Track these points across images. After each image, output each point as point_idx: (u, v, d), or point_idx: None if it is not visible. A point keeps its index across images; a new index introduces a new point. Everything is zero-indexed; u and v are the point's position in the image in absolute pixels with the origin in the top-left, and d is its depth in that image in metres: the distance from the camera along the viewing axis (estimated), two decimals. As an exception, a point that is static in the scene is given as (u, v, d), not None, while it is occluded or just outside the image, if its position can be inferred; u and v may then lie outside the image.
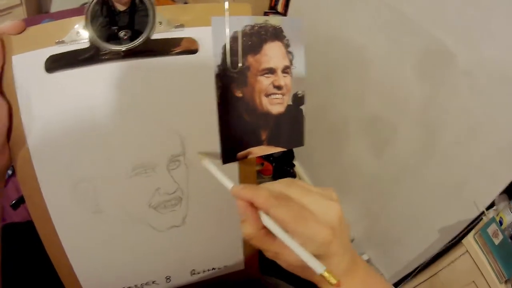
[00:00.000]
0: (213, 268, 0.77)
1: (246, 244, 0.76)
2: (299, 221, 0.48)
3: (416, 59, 1.58)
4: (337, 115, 2.08)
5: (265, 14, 2.80)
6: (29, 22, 0.53)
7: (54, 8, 2.99)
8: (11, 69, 0.52)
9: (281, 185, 0.53)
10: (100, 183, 0.61)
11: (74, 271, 0.66)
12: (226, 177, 0.57)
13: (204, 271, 0.76)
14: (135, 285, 0.73)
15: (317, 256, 0.48)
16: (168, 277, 0.74)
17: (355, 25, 1.85)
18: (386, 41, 1.69)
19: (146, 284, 0.73)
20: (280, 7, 2.69)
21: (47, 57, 0.53)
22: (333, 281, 0.45)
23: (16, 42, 0.52)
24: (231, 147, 0.64)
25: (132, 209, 0.65)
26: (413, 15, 1.56)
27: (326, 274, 0.45)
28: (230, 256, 0.77)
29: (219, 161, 0.65)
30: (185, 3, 3.67)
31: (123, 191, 0.63)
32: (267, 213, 0.50)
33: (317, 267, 0.46)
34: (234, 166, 0.68)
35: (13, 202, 1.21)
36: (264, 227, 0.51)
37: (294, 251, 0.48)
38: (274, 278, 0.87)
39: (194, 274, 0.76)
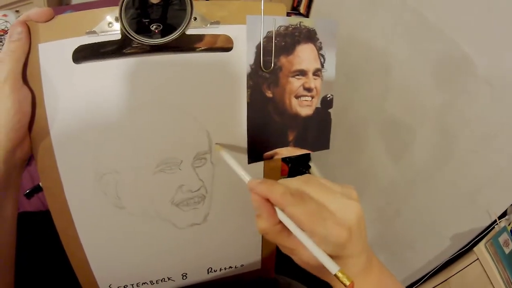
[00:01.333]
0: (230, 267, 0.77)
1: (265, 244, 0.76)
2: (316, 220, 0.47)
3: (437, 65, 1.57)
4: (355, 117, 2.07)
5: (288, 14, 2.79)
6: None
7: (76, 0, 2.98)
8: (38, 58, 0.51)
9: (298, 182, 0.51)
10: (123, 177, 0.61)
11: (89, 264, 0.66)
12: (243, 169, 0.56)
13: (220, 269, 0.76)
14: (150, 281, 0.72)
15: (333, 256, 0.47)
16: (184, 274, 0.74)
17: (377, 28, 1.84)
18: (408, 45, 1.68)
19: (162, 280, 0.73)
20: (302, 8, 2.68)
21: (76, 47, 0.52)
22: (347, 282, 0.44)
23: (43, 30, 0.51)
24: (258, 147, 0.64)
25: (154, 205, 0.64)
26: (435, 21, 1.54)
27: (340, 275, 0.44)
28: (248, 256, 0.77)
29: (240, 155, 0.64)
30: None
31: (146, 186, 0.62)
32: (283, 211, 0.49)
33: (332, 267, 0.45)
34: (259, 164, 0.67)
35: (27, 191, 1.20)
36: (280, 223, 0.50)
37: (309, 249, 0.47)
38: (287, 278, 0.87)
39: (210, 272, 0.76)
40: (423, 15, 1.59)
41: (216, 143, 0.63)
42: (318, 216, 0.47)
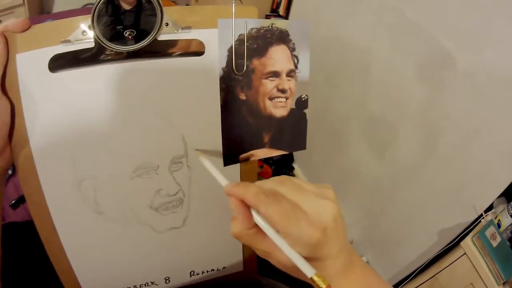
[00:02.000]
0: (212, 269, 0.77)
1: (246, 246, 0.76)
2: (289, 220, 0.46)
3: (418, 62, 1.58)
4: (337, 117, 2.08)
5: (267, 17, 2.80)
6: (31, 22, 0.52)
7: (56, 8, 2.98)
8: (15, 68, 0.51)
9: (273, 183, 0.52)
10: (102, 183, 0.61)
11: (73, 270, 0.66)
12: (221, 174, 0.56)
13: (203, 272, 0.76)
14: (134, 286, 0.73)
15: (308, 258, 0.46)
16: (167, 278, 0.74)
17: (357, 27, 1.85)
18: (388, 43, 1.69)
19: (145, 284, 0.73)
20: (281, 10, 2.69)
21: (52, 56, 0.52)
22: (323, 285, 0.43)
23: (21, 40, 0.51)
24: (234, 149, 0.64)
25: (133, 210, 0.64)
26: (415, 18, 1.56)
27: (315, 278, 0.43)
28: (229, 258, 0.77)
29: (218, 159, 0.65)
30: (187, 5, 3.67)
31: (124, 191, 0.62)
32: (258, 211, 0.49)
33: (307, 270, 0.44)
34: (235, 167, 0.67)
35: (13, 202, 1.20)
36: (255, 226, 0.50)
37: (283, 251, 0.47)
38: (271, 279, 0.87)
39: (193, 275, 0.76)
40: (403, 13, 1.60)
41: (197, 149, 0.63)
42: (292, 216, 0.47)
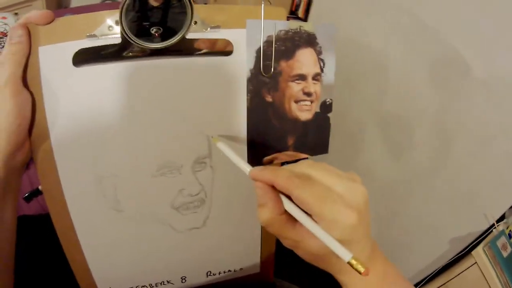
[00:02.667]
0: (229, 270, 0.77)
1: (264, 248, 0.76)
2: (325, 202, 0.45)
3: (433, 68, 1.57)
4: (352, 119, 2.07)
5: (286, 19, 2.79)
6: (50, 15, 0.52)
7: (74, 2, 2.98)
8: (38, 61, 0.51)
9: (303, 165, 0.50)
10: (123, 181, 0.61)
11: (88, 267, 0.66)
12: (243, 161, 0.54)
13: (220, 273, 0.76)
14: (150, 284, 0.72)
15: (341, 242, 0.44)
16: (183, 278, 0.74)
17: (374, 31, 1.84)
18: (404, 48, 1.69)
19: (161, 283, 0.73)
20: (300, 13, 2.68)
21: (76, 50, 0.52)
22: (361, 269, 0.41)
23: (44, 33, 0.51)
24: (258, 151, 0.64)
25: (154, 209, 0.64)
26: (431, 23, 1.55)
27: (353, 262, 0.41)
28: (247, 259, 0.77)
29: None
30: (205, 3, 3.67)
31: (146, 190, 0.62)
32: (291, 195, 0.47)
33: (344, 253, 0.42)
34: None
35: (26, 195, 1.20)
36: (285, 213, 0.48)
37: (318, 236, 0.44)
38: (286, 282, 0.87)
39: (209, 275, 0.76)
40: (419, 18, 1.59)
41: (213, 136, 0.62)
42: (327, 199, 0.45)
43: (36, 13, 0.50)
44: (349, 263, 0.42)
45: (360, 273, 0.41)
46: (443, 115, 1.57)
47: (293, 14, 2.76)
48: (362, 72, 1.95)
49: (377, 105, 1.88)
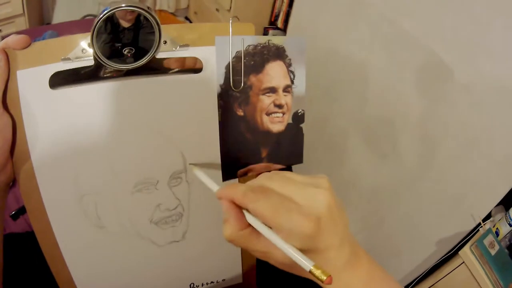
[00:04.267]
0: (212, 282, 0.77)
1: (245, 258, 0.77)
2: (279, 213, 0.44)
3: (415, 74, 1.58)
4: (335, 128, 2.08)
5: (265, 29, 2.83)
6: (31, 32, 0.53)
7: (56, 19, 2.99)
8: (16, 84, 0.52)
9: (262, 179, 0.50)
10: (102, 198, 0.62)
11: (74, 283, 0.67)
12: (214, 182, 0.56)
13: (203, 285, 0.77)
14: None
15: (306, 251, 0.44)
16: (167, 291, 0.75)
17: (355, 40, 1.85)
18: (386, 55, 1.70)
19: None
20: (280, 23, 2.71)
21: (52, 73, 0.53)
22: (323, 277, 0.39)
23: (21, 57, 0.52)
24: (232, 164, 0.65)
25: (134, 224, 0.65)
26: (412, 30, 1.56)
27: (314, 271, 0.40)
28: (229, 270, 0.78)
29: (216, 172, 0.65)
30: (186, 17, 3.69)
31: (125, 206, 0.63)
32: (247, 209, 0.47)
33: (304, 263, 0.41)
34: (234, 181, 0.68)
35: (13, 212, 1.20)
36: (248, 226, 0.48)
37: (279, 247, 0.44)
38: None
39: (193, 287, 0.76)
40: (400, 25, 1.61)
41: (190, 163, 0.64)
42: (282, 209, 0.45)
43: (13, 38, 0.51)
44: (310, 272, 0.41)
45: (322, 281, 0.40)
46: (427, 120, 1.58)
47: (272, 24, 2.78)
48: (344, 81, 1.96)
49: (360, 113, 1.89)
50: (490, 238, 1.44)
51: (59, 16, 2.99)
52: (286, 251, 0.44)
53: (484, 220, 1.48)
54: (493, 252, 1.42)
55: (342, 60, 1.93)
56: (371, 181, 1.90)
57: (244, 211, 0.48)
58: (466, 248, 1.45)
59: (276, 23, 2.75)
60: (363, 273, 0.50)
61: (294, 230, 0.44)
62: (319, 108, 2.11)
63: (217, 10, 3.09)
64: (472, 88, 1.39)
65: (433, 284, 1.59)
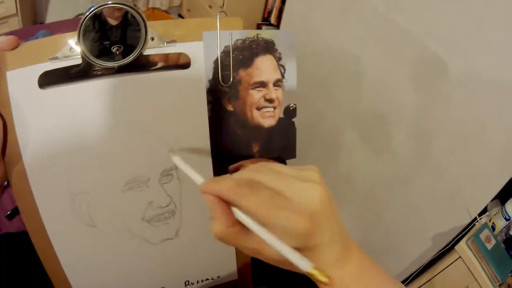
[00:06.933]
0: (207, 279, 0.77)
1: (239, 254, 0.77)
2: (271, 211, 0.41)
3: (410, 69, 1.58)
4: (330, 125, 2.08)
5: (258, 25, 2.83)
6: (24, 32, 0.53)
7: (50, 18, 2.98)
8: (6, 85, 0.52)
9: (249, 172, 0.47)
10: (94, 197, 0.61)
11: (69, 283, 0.67)
12: (197, 173, 0.50)
13: (198, 282, 0.77)
14: None
15: (300, 249, 0.41)
16: (162, 288, 0.75)
17: (349, 35, 1.85)
18: (380, 51, 1.70)
19: None
20: (273, 19, 2.70)
21: (41, 73, 0.53)
22: (323, 279, 0.38)
23: (10, 58, 0.52)
24: (223, 160, 0.65)
25: (126, 223, 0.65)
26: (406, 26, 1.56)
27: (314, 272, 0.38)
28: (224, 267, 0.78)
29: (204, 168, 0.64)
30: (179, 14, 3.69)
31: (116, 205, 0.63)
32: (237, 205, 0.43)
33: (302, 264, 0.39)
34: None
35: (8, 212, 1.20)
36: (237, 223, 0.44)
37: (273, 246, 0.41)
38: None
39: (188, 285, 0.76)
40: (394, 21, 1.61)
41: (169, 150, 0.58)
42: (273, 206, 0.42)
43: (2, 39, 0.51)
44: (309, 273, 0.39)
45: (321, 283, 0.39)
46: (422, 116, 1.58)
47: (265, 20, 2.78)
48: (339, 77, 1.95)
49: (355, 110, 1.89)
50: (486, 232, 1.44)
51: (53, 15, 2.98)
52: (282, 251, 0.41)
53: (480, 214, 1.48)
54: (489, 246, 1.43)
55: (336, 56, 1.93)
56: (367, 176, 1.90)
57: (232, 208, 0.45)
58: (463, 243, 1.45)
59: (269, 19, 2.75)
60: (355, 267, 0.48)
61: (288, 229, 0.42)
62: (314, 104, 2.11)
63: (210, 7, 3.08)
64: (466, 83, 1.39)
65: (430, 279, 1.59)
